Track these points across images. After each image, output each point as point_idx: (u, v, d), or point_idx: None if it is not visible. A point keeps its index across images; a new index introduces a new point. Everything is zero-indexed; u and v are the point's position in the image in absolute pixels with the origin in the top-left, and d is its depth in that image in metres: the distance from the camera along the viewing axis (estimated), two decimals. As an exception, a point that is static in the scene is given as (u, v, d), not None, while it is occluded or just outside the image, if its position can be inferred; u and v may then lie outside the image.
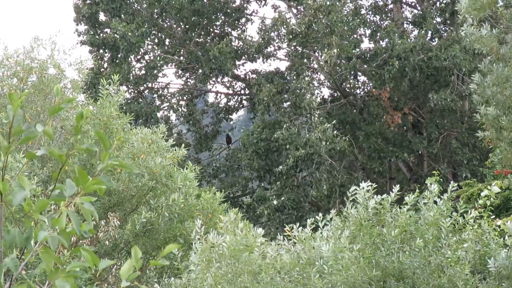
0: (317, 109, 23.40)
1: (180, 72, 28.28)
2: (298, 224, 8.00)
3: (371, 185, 7.77)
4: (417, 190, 8.11)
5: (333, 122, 22.41)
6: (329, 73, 24.23)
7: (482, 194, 8.74)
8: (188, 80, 28.63)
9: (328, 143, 21.68)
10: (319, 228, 7.87)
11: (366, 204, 7.65)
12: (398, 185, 8.15)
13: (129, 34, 23.32)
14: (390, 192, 7.83)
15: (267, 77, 25.61)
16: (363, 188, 7.71)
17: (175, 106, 27.84)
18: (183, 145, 12.32)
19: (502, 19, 10.37)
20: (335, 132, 22.04)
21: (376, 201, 7.68)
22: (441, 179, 8.39)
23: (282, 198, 23.16)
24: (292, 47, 24.54)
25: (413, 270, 7.43)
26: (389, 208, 7.76)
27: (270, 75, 25.87)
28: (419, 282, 7.42)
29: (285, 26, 24.18)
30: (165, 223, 11.11)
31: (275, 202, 23.12)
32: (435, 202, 7.81)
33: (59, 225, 2.57)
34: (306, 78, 23.56)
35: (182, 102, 28.12)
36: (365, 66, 24.51)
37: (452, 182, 8.16)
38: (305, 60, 24.76)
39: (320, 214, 8.01)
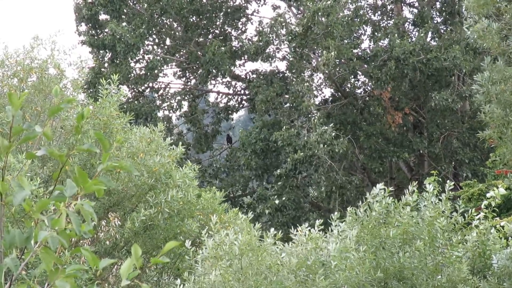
0: (317, 111, 23.37)
1: (180, 72, 28.24)
2: (297, 224, 8.00)
3: (384, 188, 7.84)
4: (415, 190, 8.08)
5: (331, 125, 22.33)
6: (328, 75, 24.19)
7: (488, 195, 8.71)
8: (189, 80, 28.60)
9: (326, 145, 21.62)
10: (329, 228, 7.89)
11: (377, 206, 7.68)
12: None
13: (127, 35, 23.28)
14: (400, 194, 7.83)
15: (267, 79, 25.55)
16: (378, 190, 7.77)
17: (175, 105, 27.80)
18: (180, 143, 12.30)
19: (505, 14, 10.32)
20: (333, 134, 21.96)
21: (387, 203, 7.72)
22: (440, 179, 8.35)
23: (283, 198, 23.12)
24: (292, 48, 24.48)
25: (412, 271, 7.42)
26: (401, 209, 7.79)
27: (270, 76, 25.81)
28: (419, 283, 7.41)
29: (284, 27, 24.12)
30: (164, 221, 11.08)
31: (277, 201, 23.07)
32: (433, 202, 7.81)
33: (58, 226, 2.56)
34: (306, 84, 23.49)
35: (184, 102, 28.10)
36: (366, 66, 24.48)
37: (448, 181, 8.13)
38: (304, 62, 24.70)
39: (335, 213, 8.01)
